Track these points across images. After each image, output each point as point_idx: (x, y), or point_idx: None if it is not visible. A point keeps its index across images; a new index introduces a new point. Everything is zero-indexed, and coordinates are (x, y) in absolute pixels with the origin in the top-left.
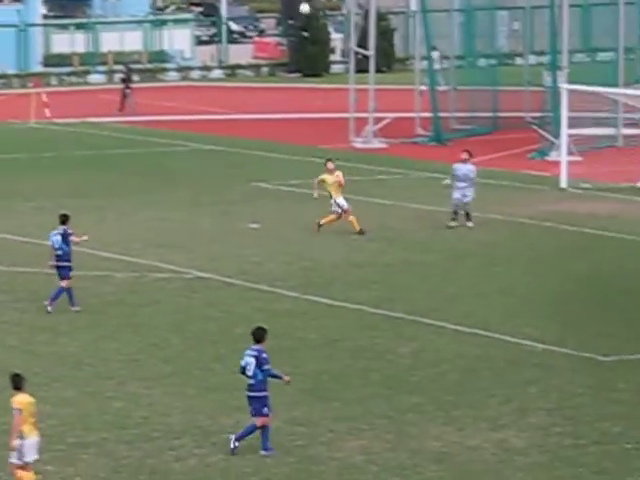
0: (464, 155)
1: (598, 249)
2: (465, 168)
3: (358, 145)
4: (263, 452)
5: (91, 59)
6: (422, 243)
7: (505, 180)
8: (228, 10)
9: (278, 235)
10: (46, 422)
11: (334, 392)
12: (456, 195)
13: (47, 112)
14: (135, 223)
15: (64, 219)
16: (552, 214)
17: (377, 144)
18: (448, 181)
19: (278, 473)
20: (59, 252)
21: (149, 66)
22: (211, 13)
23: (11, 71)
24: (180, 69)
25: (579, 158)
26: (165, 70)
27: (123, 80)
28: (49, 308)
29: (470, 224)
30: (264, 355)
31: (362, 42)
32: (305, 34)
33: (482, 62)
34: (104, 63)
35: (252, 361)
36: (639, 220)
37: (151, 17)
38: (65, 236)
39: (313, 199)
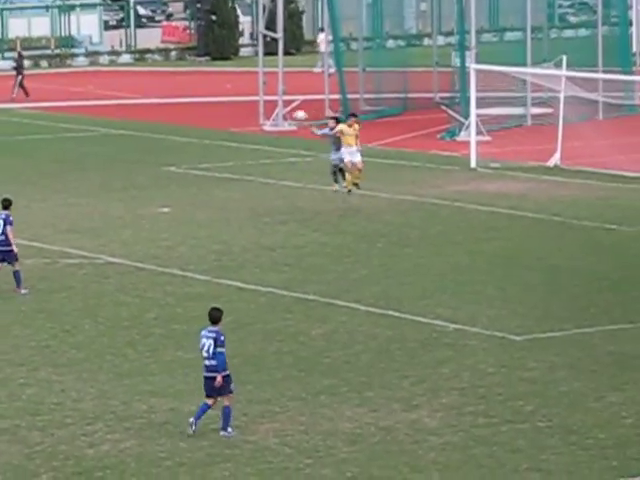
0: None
1: (509, 228)
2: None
3: (268, 128)
4: (223, 433)
5: None
6: (333, 225)
7: (415, 161)
8: None
9: (189, 219)
10: None
11: (247, 375)
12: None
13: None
14: (45, 209)
15: (7, 204)
16: (462, 194)
17: (287, 127)
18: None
19: (192, 457)
20: (1, 237)
21: (57, 51)
22: None
23: None
24: (88, 54)
25: (488, 138)
26: (73, 55)
27: (15, 67)
28: (23, 291)
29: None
30: (222, 338)
31: (270, 25)
32: (213, 17)
33: (391, 43)
34: (12, 49)
35: (211, 342)
36: (549, 199)
37: (58, 2)
38: (6, 222)
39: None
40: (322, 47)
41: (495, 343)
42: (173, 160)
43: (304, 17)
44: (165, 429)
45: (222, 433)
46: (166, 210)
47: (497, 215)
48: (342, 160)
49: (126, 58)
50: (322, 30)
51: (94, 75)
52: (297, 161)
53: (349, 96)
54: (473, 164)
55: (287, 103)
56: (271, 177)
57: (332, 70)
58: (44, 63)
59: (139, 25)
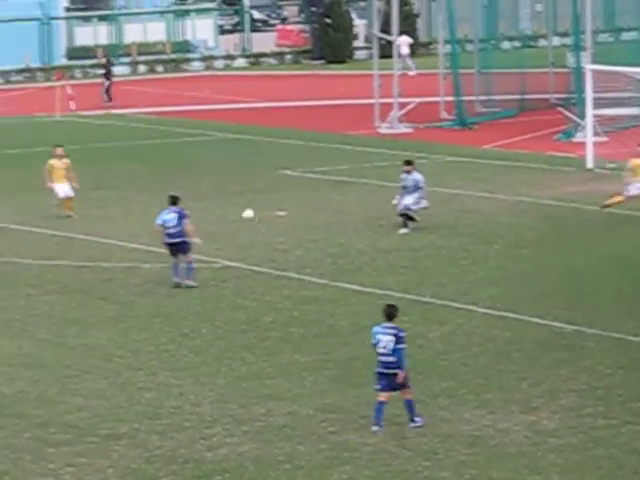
0: (406, 167)
1: (626, 229)
2: (411, 179)
3: (383, 130)
4: (413, 424)
5: (115, 51)
6: (449, 227)
7: (531, 162)
8: None
9: (305, 222)
10: (78, 414)
11: (365, 378)
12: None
13: (72, 105)
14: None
15: (174, 200)
16: (579, 195)
17: (402, 129)
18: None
19: (311, 460)
20: (173, 230)
21: (173, 56)
22: (233, 2)
23: (35, 65)
24: (204, 59)
25: (605, 138)
26: (189, 60)
27: (104, 73)
28: (189, 282)
29: (403, 230)
30: (402, 334)
31: (385, 27)
32: (328, 21)
33: (506, 45)
34: (128, 54)
35: (389, 339)
36: None
37: (174, 7)
38: (181, 216)
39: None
40: (403, 50)
41: (613, 344)
42: (289, 163)
43: (419, 19)
44: (283, 432)
45: (411, 425)
46: (282, 214)
47: (614, 216)
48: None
49: (241, 62)
50: (406, 33)
51: (209, 79)
52: None
53: (464, 98)
54: (589, 165)
55: (402, 105)
56: (387, 180)
57: (408, 73)
58: (160, 68)
59: (254, 29)
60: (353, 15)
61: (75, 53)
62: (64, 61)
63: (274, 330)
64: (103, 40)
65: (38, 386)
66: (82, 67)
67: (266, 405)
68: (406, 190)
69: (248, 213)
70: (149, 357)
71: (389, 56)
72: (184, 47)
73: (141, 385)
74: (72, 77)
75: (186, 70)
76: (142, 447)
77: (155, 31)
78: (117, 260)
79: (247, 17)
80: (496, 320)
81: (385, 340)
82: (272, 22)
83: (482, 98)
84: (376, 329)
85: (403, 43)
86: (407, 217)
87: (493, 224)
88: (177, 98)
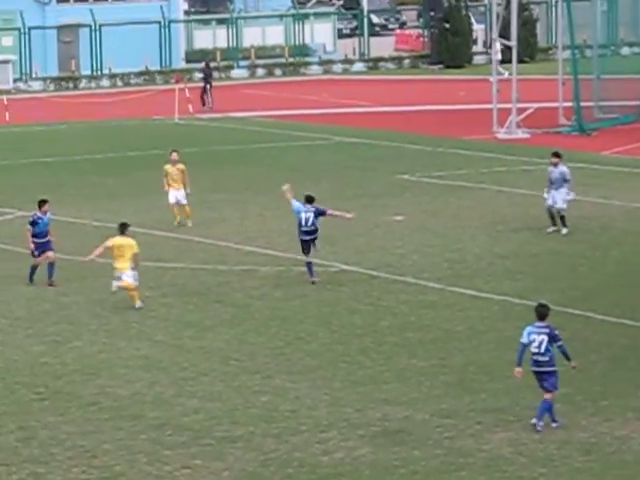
0: (554, 159)
1: None
2: (557, 171)
3: (501, 136)
4: (554, 424)
5: (233, 54)
6: (567, 233)
7: None
8: (369, 3)
9: (422, 227)
10: (194, 416)
11: (481, 384)
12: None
13: (190, 108)
14: (278, 217)
15: (311, 199)
16: None
17: (520, 134)
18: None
19: (426, 466)
20: (311, 228)
21: (291, 60)
22: (352, 6)
23: (154, 68)
24: (322, 63)
25: None
26: (307, 64)
27: (204, 78)
28: (314, 279)
29: (565, 230)
30: (556, 332)
31: (504, 32)
32: (447, 25)
33: (625, 50)
34: (246, 58)
35: (543, 338)
36: None
37: (293, 11)
38: (317, 214)
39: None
40: (497, 56)
41: None
42: (406, 168)
43: (538, 25)
44: (399, 437)
45: (554, 425)
46: (399, 218)
47: None
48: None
49: (359, 66)
50: (501, 37)
51: (327, 83)
52: (531, 169)
53: (582, 104)
54: None
55: (521, 111)
56: (504, 185)
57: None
58: (278, 71)
59: (372, 33)
60: (472, 20)
61: (194, 56)
62: (183, 64)
63: (390, 335)
64: (222, 43)
65: (155, 388)
66: (201, 70)
67: (382, 409)
68: (553, 184)
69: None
70: (265, 360)
71: (508, 61)
72: (302, 51)
73: (257, 388)
74: (190, 80)
75: (304, 74)
76: (258, 450)
77: (274, 35)
78: (233, 263)
79: (366, 21)
80: (613, 327)
81: (539, 340)
82: (391, 26)
83: (601, 104)
84: (529, 329)
85: (499, 49)
86: (561, 218)
87: (611, 230)
88: (295, 102)
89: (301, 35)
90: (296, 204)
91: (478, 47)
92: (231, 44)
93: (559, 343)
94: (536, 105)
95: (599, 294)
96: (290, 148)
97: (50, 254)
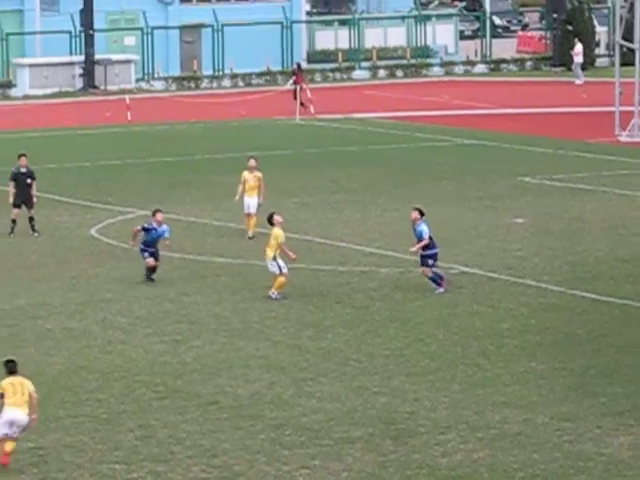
0: None
1: None
2: None
3: (624, 139)
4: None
5: (355, 55)
6: None
7: None
8: (492, 4)
9: (543, 230)
10: (312, 417)
11: (601, 387)
12: None
13: (312, 108)
14: (399, 219)
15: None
16: None
17: None
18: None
19: (545, 469)
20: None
21: (413, 61)
22: (474, 8)
23: (275, 68)
24: (443, 64)
25: None
26: (429, 65)
27: (294, 81)
28: (440, 290)
29: None
30: None
31: (627, 35)
32: (570, 28)
33: None
34: (368, 59)
35: None
36: None
37: (415, 12)
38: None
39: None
40: (579, 58)
41: None
42: (527, 170)
43: None
44: (518, 440)
45: None
46: (520, 221)
47: None
48: None
49: (481, 68)
50: (579, 41)
51: (449, 85)
52: None
53: None
54: None
55: None
56: (626, 188)
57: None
58: (399, 73)
59: (494, 35)
60: (595, 22)
61: (315, 57)
62: (304, 65)
63: (510, 337)
64: (344, 44)
65: (274, 388)
66: (322, 71)
67: (501, 412)
68: None
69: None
70: (384, 361)
71: (631, 64)
72: (424, 52)
73: (376, 389)
74: (312, 81)
75: (425, 75)
76: (376, 451)
77: (395, 36)
78: (353, 264)
79: (488, 23)
80: None
81: None
82: (513, 28)
83: None
84: None
85: (580, 51)
86: None
87: None
88: (415, 103)
89: (423, 36)
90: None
91: (601, 50)
92: (353, 45)
93: None
94: None
95: None
96: (410, 149)
97: (150, 260)
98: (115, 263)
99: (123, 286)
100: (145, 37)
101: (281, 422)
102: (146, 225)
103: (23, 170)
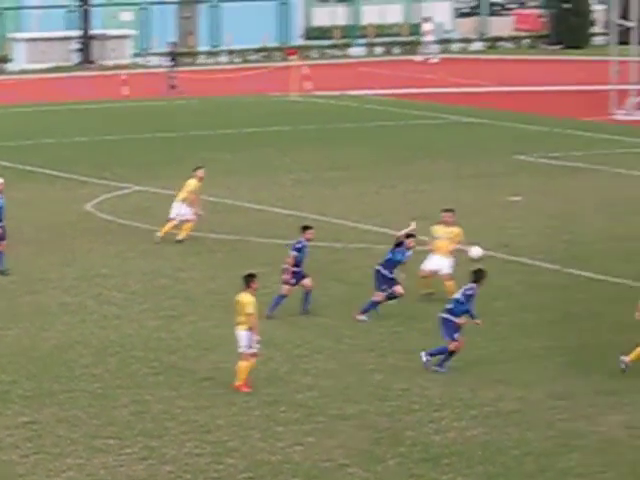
0: None
1: None
2: None
3: (619, 117)
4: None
5: (352, 32)
6: None
7: None
8: None
9: (538, 208)
10: (307, 394)
11: (596, 366)
12: None
13: (308, 85)
14: (395, 196)
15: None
16: None
17: (639, 116)
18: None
19: (539, 447)
20: None
21: (410, 39)
22: None
23: (272, 44)
24: (440, 41)
25: None
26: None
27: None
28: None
29: None
30: None
31: (624, 14)
32: (567, 6)
33: None
34: (364, 36)
35: None
36: None
37: None
38: None
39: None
40: (428, 37)
41: None
42: (523, 148)
43: None
44: (512, 418)
45: None
46: (516, 199)
47: None
48: None
49: (478, 46)
50: (427, 20)
51: (445, 62)
52: None
53: None
54: None
55: (639, 92)
56: (622, 167)
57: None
58: (396, 50)
59: (492, 13)
60: (592, 0)
61: (312, 33)
62: (301, 41)
63: (505, 315)
64: (340, 21)
65: (269, 364)
66: (319, 47)
67: (495, 390)
68: None
69: (476, 252)
70: (380, 338)
71: (627, 42)
72: (421, 30)
73: (371, 367)
74: (308, 57)
75: (422, 52)
76: (370, 428)
77: (392, 13)
78: (349, 241)
79: (485, 1)
80: None
81: None
82: (510, 6)
83: None
84: None
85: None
86: None
87: None
88: (412, 80)
89: (420, 13)
90: None
91: (597, 28)
92: (350, 22)
93: None
94: None
95: None
96: (407, 127)
97: (306, 282)
98: (111, 238)
99: (118, 261)
100: (142, 12)
101: (275, 399)
102: (301, 245)
103: None
